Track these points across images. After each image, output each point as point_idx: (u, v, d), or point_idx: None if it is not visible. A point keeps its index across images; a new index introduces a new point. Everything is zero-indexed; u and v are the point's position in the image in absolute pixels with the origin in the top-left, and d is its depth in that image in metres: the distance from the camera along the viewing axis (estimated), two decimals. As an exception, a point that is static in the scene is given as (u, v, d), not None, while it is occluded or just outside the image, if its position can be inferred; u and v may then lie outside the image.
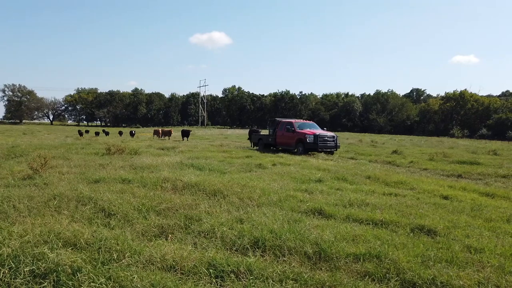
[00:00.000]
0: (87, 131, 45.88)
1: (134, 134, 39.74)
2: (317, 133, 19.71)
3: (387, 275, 3.90)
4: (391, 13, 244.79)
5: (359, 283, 3.71)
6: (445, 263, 4.22)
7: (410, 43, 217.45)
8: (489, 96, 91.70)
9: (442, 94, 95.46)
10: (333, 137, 20.13)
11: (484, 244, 4.91)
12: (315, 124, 22.62)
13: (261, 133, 25.50)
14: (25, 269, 3.61)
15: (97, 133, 42.13)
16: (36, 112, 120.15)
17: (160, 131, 38.26)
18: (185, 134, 34.64)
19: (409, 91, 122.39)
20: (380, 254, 4.32)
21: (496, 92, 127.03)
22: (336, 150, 20.26)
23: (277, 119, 23.41)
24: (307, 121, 22.97)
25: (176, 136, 38.30)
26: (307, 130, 20.50)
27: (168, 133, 37.15)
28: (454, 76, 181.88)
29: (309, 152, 19.94)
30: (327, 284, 3.68)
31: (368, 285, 3.71)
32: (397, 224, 5.73)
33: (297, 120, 22.49)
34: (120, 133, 42.51)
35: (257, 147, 23.70)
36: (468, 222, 6.09)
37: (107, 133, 42.31)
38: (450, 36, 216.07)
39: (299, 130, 20.57)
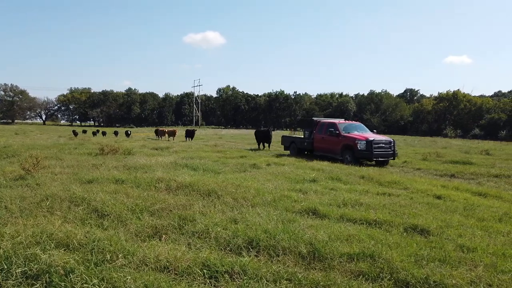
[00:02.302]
0: (84, 131, 45.56)
1: (130, 134, 38.67)
2: (371, 138, 15.85)
3: (380, 274, 3.91)
4: (385, 14, 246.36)
5: (353, 282, 3.72)
6: (438, 262, 4.25)
7: (404, 44, 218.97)
8: (481, 96, 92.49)
9: (436, 94, 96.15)
10: (390, 142, 16.20)
11: (476, 243, 4.96)
12: (362, 125, 18.75)
13: (295, 136, 22.33)
14: (17, 271, 3.58)
15: (94, 133, 41.82)
16: (28, 112, 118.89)
17: (166, 131, 35.88)
18: (190, 134, 31.82)
19: (402, 91, 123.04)
20: (374, 253, 4.34)
21: (489, 92, 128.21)
22: (394, 158, 16.28)
23: (315, 119, 19.79)
24: (353, 122, 19.26)
25: (178, 137, 36.73)
26: (355, 134, 16.85)
27: (173, 134, 34.86)
28: (447, 76, 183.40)
29: (361, 161, 16.10)
30: (321, 283, 3.68)
31: (361, 284, 3.72)
32: (390, 223, 5.75)
33: (341, 121, 18.92)
34: (116, 133, 41.44)
35: (289, 152, 20.55)
36: (461, 221, 6.14)
37: (104, 133, 41.76)
38: (443, 37, 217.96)
39: (345, 134, 16.88)
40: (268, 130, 23.34)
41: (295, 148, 19.98)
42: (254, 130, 25.32)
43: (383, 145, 15.98)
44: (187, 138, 31.68)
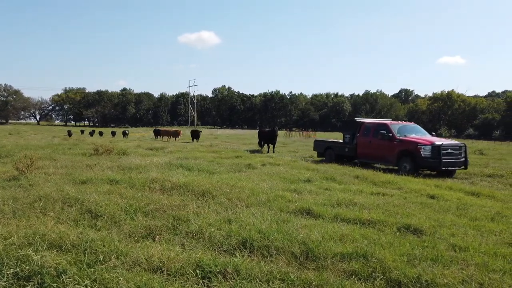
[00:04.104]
0: (82, 131, 45.26)
1: (128, 134, 37.40)
2: (438, 142, 13.10)
3: (373, 274, 3.93)
4: (379, 15, 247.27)
5: (346, 282, 3.74)
6: (430, 261, 4.27)
7: (398, 44, 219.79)
8: (475, 96, 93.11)
9: (430, 94, 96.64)
10: (461, 147, 13.45)
11: (468, 243, 5.00)
12: (419, 127, 15.81)
13: (331, 140, 19.38)
14: (8, 272, 3.56)
15: (91, 133, 41.57)
16: (22, 112, 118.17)
17: (170, 131, 33.56)
18: (195, 135, 30.10)
19: (397, 92, 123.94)
20: (367, 253, 4.36)
21: (483, 92, 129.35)
22: (465, 168, 13.43)
23: (359, 119, 16.90)
24: (408, 123, 16.28)
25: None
26: (413, 137, 14.00)
27: (176, 134, 32.62)
28: (442, 76, 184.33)
29: (421, 170, 13.64)
30: (313, 283, 3.69)
31: (354, 284, 3.73)
32: (384, 223, 5.79)
33: (393, 122, 15.98)
34: (113, 133, 40.09)
35: (324, 159, 17.28)
36: (454, 221, 6.19)
37: (101, 133, 41.34)
38: (437, 37, 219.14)
39: (401, 137, 14.00)
40: (274, 129, 21.29)
41: (332, 155, 16.97)
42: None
43: (453, 150, 13.09)
44: (193, 139, 30.03)
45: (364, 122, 16.13)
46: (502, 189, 10.41)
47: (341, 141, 17.19)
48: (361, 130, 15.79)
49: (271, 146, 21.46)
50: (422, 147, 12.90)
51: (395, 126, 14.86)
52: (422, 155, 12.82)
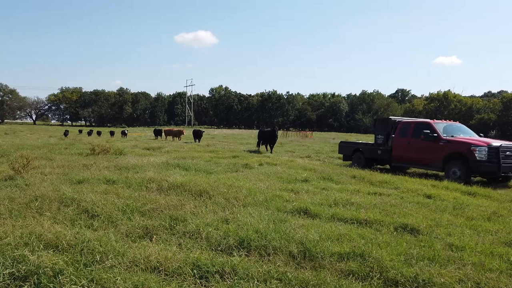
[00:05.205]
0: (80, 131, 45.05)
1: (127, 134, 37.10)
2: (495, 143, 11.42)
3: (370, 273, 3.94)
4: (376, 16, 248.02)
5: (343, 281, 3.74)
6: (427, 261, 4.29)
7: (395, 44, 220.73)
8: (471, 96, 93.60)
9: (427, 94, 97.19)
10: None
11: (465, 242, 5.01)
12: (465, 126, 14.09)
13: (360, 141, 17.90)
14: (4, 272, 3.54)
15: (89, 133, 41.41)
16: (18, 112, 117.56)
17: (174, 131, 32.44)
18: (198, 135, 29.21)
19: (394, 92, 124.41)
20: (364, 253, 4.36)
21: (479, 92, 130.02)
22: None
23: (394, 118, 15.02)
24: (452, 122, 14.31)
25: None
26: (464, 137, 12.45)
27: (179, 134, 31.76)
28: (438, 77, 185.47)
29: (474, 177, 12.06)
30: (311, 283, 3.69)
31: (351, 283, 3.74)
32: (381, 223, 5.80)
33: (436, 120, 14.12)
34: (112, 133, 39.58)
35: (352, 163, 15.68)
36: (450, 220, 6.21)
37: (99, 133, 41.08)
38: (433, 38, 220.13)
39: (448, 137, 12.37)
40: (274, 130, 20.80)
41: (361, 159, 15.25)
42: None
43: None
44: (196, 139, 29.13)
45: (401, 120, 14.43)
46: (498, 189, 10.46)
47: (372, 142, 15.63)
48: (398, 130, 14.03)
49: (269, 146, 21.33)
50: (477, 148, 11.11)
51: (440, 125, 13.24)
52: (477, 158, 11.02)
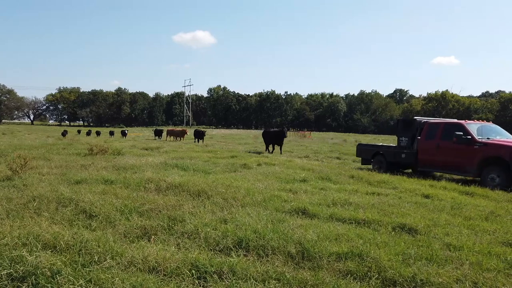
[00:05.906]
0: (78, 131, 44.98)
1: (127, 133, 36.86)
2: None
3: (368, 273, 3.94)
4: (374, 16, 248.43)
5: (341, 281, 3.74)
6: (425, 260, 4.30)
7: (393, 44, 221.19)
8: (469, 96, 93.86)
9: (425, 94, 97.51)
10: None
11: (463, 242, 5.02)
12: (499, 127, 12.87)
13: (381, 144, 16.40)
14: (2, 273, 3.53)
15: (88, 133, 41.30)
16: (16, 112, 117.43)
17: (176, 131, 31.95)
18: (199, 135, 28.92)
19: (392, 92, 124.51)
20: (362, 252, 4.37)
21: (477, 93, 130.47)
22: None
23: (419, 118, 13.80)
24: (486, 123, 12.94)
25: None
26: (500, 140, 11.33)
27: (182, 134, 31.32)
28: (436, 77, 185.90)
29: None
30: (309, 283, 3.70)
31: (349, 283, 3.74)
32: (379, 223, 5.80)
33: (469, 121, 12.76)
34: (111, 133, 39.44)
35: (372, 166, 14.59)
36: (448, 220, 6.22)
37: (98, 133, 40.98)
38: (431, 38, 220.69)
39: (484, 140, 11.26)
40: (283, 130, 20.18)
41: (383, 162, 14.15)
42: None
43: None
44: (197, 140, 29.02)
45: (428, 121, 13.27)
46: (495, 188, 10.47)
47: (394, 145, 14.66)
48: (424, 132, 12.93)
49: (277, 147, 20.92)
50: None
51: (473, 126, 12.02)
52: None
